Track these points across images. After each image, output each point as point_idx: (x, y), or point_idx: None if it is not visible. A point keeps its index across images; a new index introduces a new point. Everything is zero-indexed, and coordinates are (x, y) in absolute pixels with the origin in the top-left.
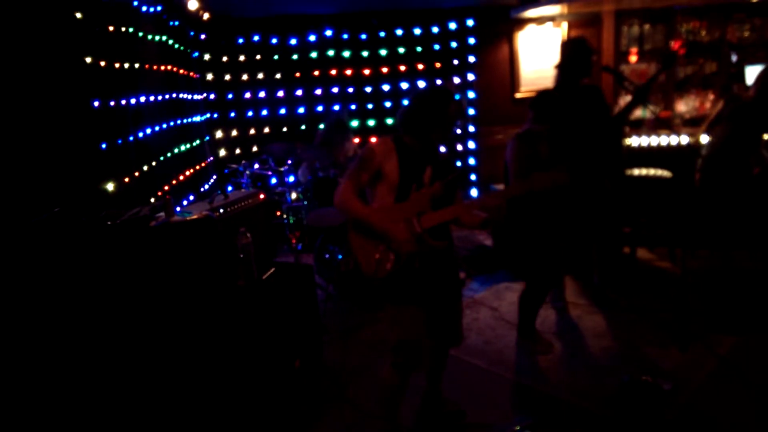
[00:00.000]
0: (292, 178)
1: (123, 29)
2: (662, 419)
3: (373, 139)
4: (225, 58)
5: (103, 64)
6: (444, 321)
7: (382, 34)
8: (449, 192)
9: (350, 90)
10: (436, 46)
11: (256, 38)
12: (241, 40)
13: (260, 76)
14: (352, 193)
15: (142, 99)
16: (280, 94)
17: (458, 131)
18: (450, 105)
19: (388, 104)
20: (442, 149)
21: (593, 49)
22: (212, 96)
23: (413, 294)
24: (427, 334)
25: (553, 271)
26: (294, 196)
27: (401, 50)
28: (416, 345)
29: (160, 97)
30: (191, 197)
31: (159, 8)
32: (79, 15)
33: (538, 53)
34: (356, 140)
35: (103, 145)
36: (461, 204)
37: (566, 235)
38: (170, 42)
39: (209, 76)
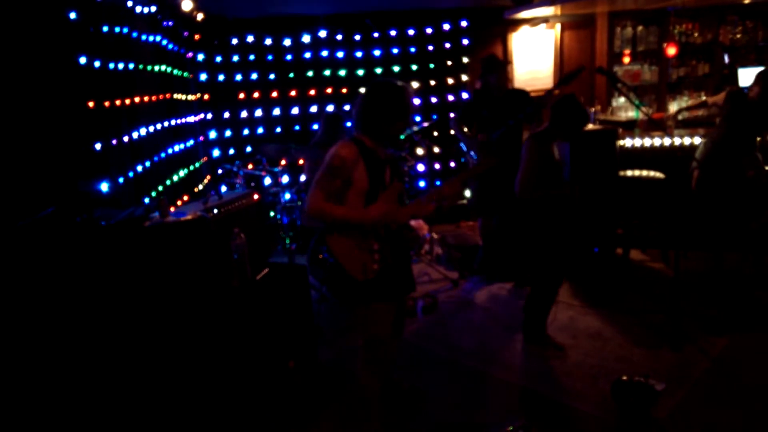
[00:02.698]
0: (286, 179)
1: (117, 29)
2: (655, 420)
3: None
4: (219, 59)
5: (97, 64)
6: (398, 314)
7: (376, 34)
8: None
9: (344, 90)
10: (430, 47)
11: (250, 39)
12: (235, 41)
13: (254, 76)
14: (324, 200)
15: (137, 99)
16: (274, 94)
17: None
18: (405, 96)
19: None
20: (422, 151)
21: (504, 62)
22: (206, 96)
23: (390, 289)
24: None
25: (559, 273)
26: (288, 196)
27: (395, 51)
28: (388, 340)
29: (154, 98)
30: (185, 198)
31: (153, 8)
32: (73, 15)
33: (531, 54)
34: None
35: (98, 146)
36: (427, 197)
37: (569, 237)
38: (164, 42)
39: (203, 77)
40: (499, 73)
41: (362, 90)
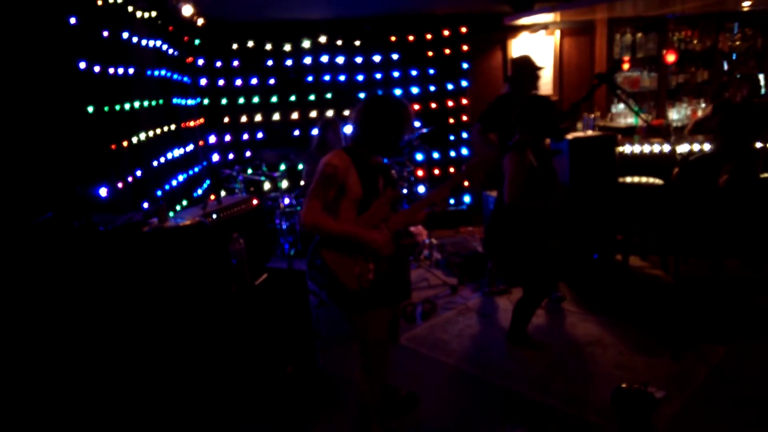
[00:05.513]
0: (285, 183)
1: (117, 34)
2: (655, 428)
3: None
4: (219, 64)
5: (97, 69)
6: (392, 319)
7: (376, 40)
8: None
9: (344, 95)
10: (430, 53)
11: (250, 43)
12: (235, 46)
13: (254, 81)
14: (321, 212)
15: (136, 104)
16: (274, 99)
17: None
18: (401, 112)
19: None
20: (420, 156)
21: (538, 66)
22: (206, 101)
23: (385, 296)
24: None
25: (550, 276)
26: (287, 201)
27: (394, 57)
28: (384, 345)
29: (153, 102)
30: (184, 203)
31: (153, 13)
32: (73, 20)
33: None
34: None
35: (97, 151)
36: (419, 203)
37: (558, 242)
38: (164, 47)
39: (203, 81)
40: (536, 78)
41: (362, 95)
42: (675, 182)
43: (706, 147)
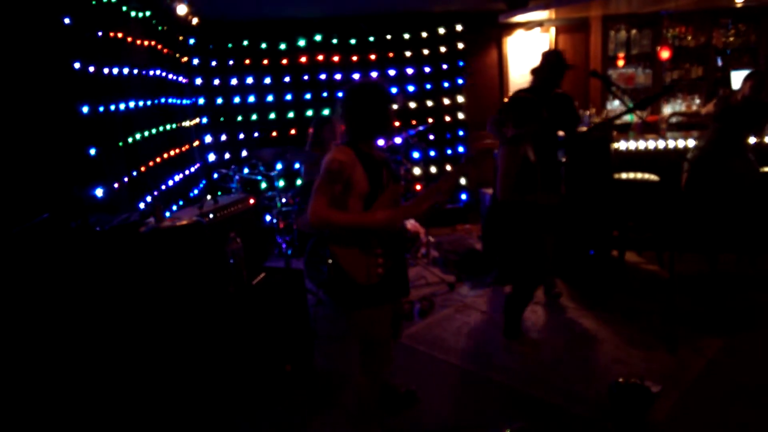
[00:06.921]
0: (282, 183)
1: (111, 34)
2: (652, 422)
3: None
4: (214, 63)
5: (91, 69)
6: (395, 317)
7: (372, 38)
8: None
9: (341, 94)
10: (426, 51)
11: (245, 42)
12: (230, 45)
13: (250, 80)
14: (327, 207)
15: (131, 104)
16: (270, 98)
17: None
18: (378, 88)
19: None
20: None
21: (569, 65)
22: (201, 101)
23: (390, 292)
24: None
25: (539, 272)
26: (284, 200)
27: (390, 55)
28: (386, 343)
29: (149, 102)
30: (181, 202)
31: (148, 13)
32: (67, 20)
33: (526, 58)
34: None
35: (92, 151)
36: (422, 196)
37: (549, 236)
38: (159, 47)
39: (198, 81)
40: (562, 76)
41: None
42: (686, 189)
43: (692, 142)
